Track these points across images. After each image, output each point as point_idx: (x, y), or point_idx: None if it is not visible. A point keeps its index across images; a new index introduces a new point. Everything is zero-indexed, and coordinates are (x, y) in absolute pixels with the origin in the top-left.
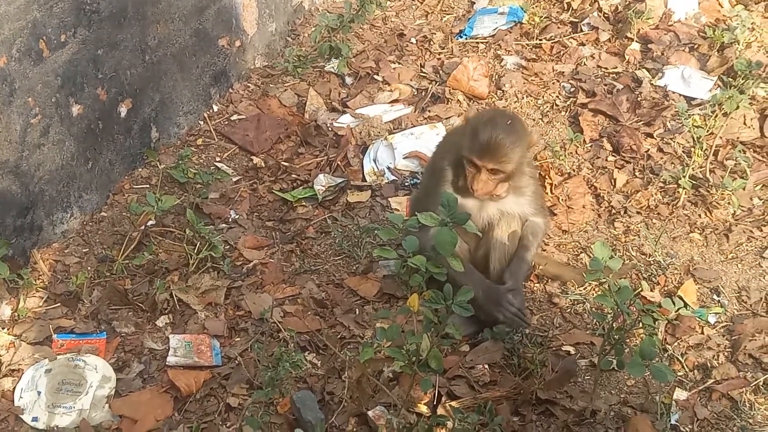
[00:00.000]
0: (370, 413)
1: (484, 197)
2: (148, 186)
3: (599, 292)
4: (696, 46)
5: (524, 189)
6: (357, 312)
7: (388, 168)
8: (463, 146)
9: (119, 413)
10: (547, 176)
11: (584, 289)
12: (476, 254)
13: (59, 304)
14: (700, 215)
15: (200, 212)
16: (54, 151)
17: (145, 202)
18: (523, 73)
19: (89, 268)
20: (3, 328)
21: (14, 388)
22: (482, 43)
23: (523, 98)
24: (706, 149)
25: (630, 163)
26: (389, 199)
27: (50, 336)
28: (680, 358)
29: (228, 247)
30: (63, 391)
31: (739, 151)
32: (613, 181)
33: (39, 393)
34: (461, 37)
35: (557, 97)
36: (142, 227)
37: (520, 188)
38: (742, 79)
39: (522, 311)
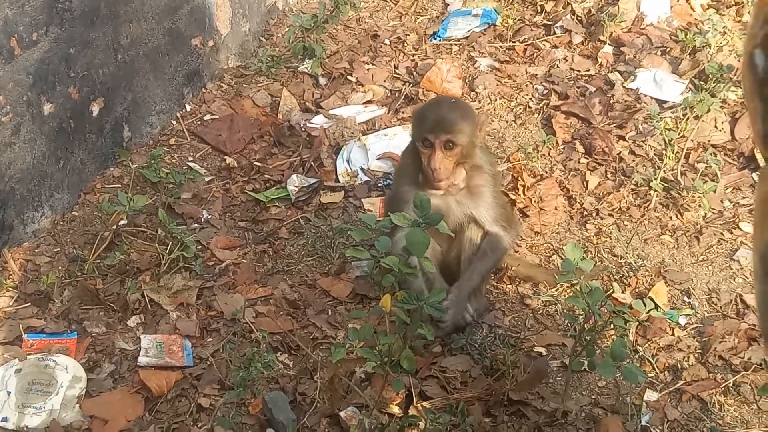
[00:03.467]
0: (342, 414)
1: (445, 184)
2: (120, 185)
3: (571, 294)
4: (668, 50)
5: (482, 188)
6: (329, 313)
7: (362, 169)
8: (414, 131)
9: (90, 413)
10: (519, 178)
11: (556, 290)
12: (448, 257)
13: (30, 303)
14: (671, 217)
15: (172, 212)
16: (25, 149)
17: (117, 202)
18: (496, 75)
19: (60, 267)
20: None
21: None
22: (456, 44)
23: (496, 100)
24: (678, 152)
25: (602, 165)
26: (362, 200)
27: (20, 336)
28: (651, 360)
29: (200, 247)
30: (33, 391)
31: (710, 154)
32: (585, 183)
33: (9, 393)
34: (435, 38)
35: (530, 99)
36: (114, 227)
37: (478, 186)
38: (714, 83)
39: (463, 323)
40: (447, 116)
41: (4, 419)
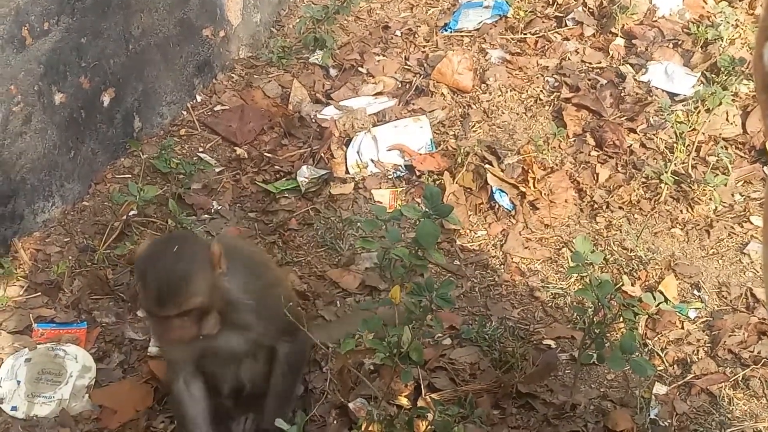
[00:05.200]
0: (350, 405)
1: (188, 341)
2: (130, 176)
3: (580, 287)
4: (680, 42)
5: (244, 318)
6: (338, 304)
7: (372, 160)
8: (141, 301)
9: (99, 403)
10: (530, 170)
11: (566, 282)
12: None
13: (40, 293)
14: (681, 211)
15: (182, 203)
16: (36, 139)
17: (127, 192)
18: (507, 67)
19: (70, 257)
20: None
21: None
22: (467, 36)
23: (507, 92)
24: (689, 145)
25: (613, 158)
26: (372, 191)
27: (30, 325)
28: (660, 353)
29: (210, 238)
30: (43, 381)
31: (721, 147)
32: (595, 175)
33: (18, 382)
34: (446, 30)
35: (541, 91)
36: (124, 217)
37: (241, 321)
38: (725, 76)
39: None
40: (171, 284)
41: (14, 408)
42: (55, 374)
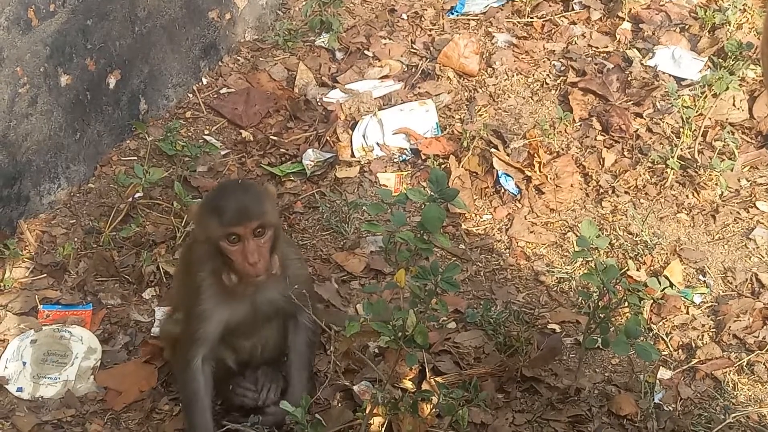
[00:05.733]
0: (355, 388)
1: (265, 277)
2: (136, 158)
3: (585, 271)
4: (687, 27)
5: (290, 270)
6: (343, 287)
7: (378, 144)
8: (211, 231)
9: (104, 385)
10: (536, 155)
11: (571, 267)
12: (256, 352)
13: (45, 274)
14: (687, 196)
15: (188, 185)
16: (42, 121)
17: (132, 174)
18: (513, 51)
19: (76, 239)
20: None
21: None
22: (473, 20)
23: (513, 76)
24: (695, 130)
25: (619, 142)
26: (378, 174)
27: (36, 306)
28: (665, 338)
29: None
30: (48, 362)
31: (728, 132)
32: (601, 160)
33: (24, 363)
34: (453, 13)
35: (547, 75)
36: (130, 199)
37: (289, 271)
38: (732, 60)
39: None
40: (247, 198)
41: (20, 389)
42: (60, 355)
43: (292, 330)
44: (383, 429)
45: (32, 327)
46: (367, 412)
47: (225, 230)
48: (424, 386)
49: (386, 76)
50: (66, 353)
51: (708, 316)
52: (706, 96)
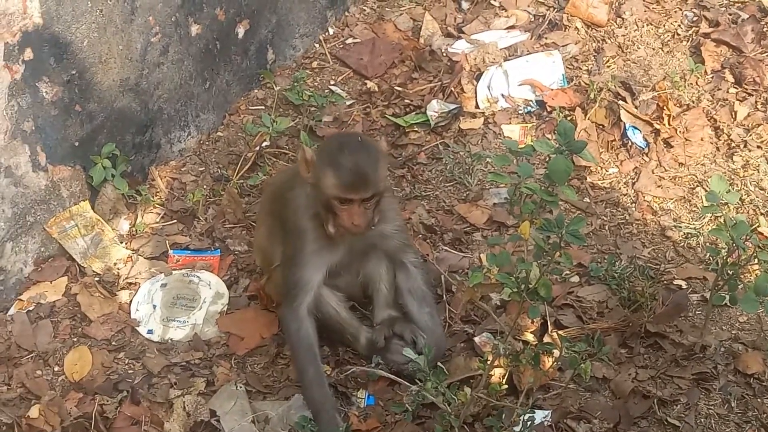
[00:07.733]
0: (476, 339)
1: (365, 231)
2: (263, 107)
3: (714, 227)
4: None
5: (389, 212)
6: (465, 239)
7: (502, 95)
8: (325, 187)
9: (225, 330)
10: (665, 107)
11: (699, 222)
12: (353, 291)
13: (175, 220)
14: None
15: (314, 135)
16: (173, 70)
17: (260, 123)
18: (644, 0)
19: (205, 186)
20: (121, 242)
21: (131, 301)
22: None
23: (643, 26)
24: None
25: (752, 95)
26: (502, 126)
27: (166, 251)
28: None
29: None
30: (177, 306)
31: None
32: (733, 113)
33: (154, 306)
34: None
35: (679, 26)
36: (257, 148)
37: (385, 211)
38: None
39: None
40: (366, 168)
41: (150, 331)
42: (189, 299)
43: (404, 276)
44: (504, 380)
45: (162, 271)
46: (488, 363)
47: (340, 193)
48: (546, 339)
49: (512, 27)
50: (195, 297)
51: None
52: None
